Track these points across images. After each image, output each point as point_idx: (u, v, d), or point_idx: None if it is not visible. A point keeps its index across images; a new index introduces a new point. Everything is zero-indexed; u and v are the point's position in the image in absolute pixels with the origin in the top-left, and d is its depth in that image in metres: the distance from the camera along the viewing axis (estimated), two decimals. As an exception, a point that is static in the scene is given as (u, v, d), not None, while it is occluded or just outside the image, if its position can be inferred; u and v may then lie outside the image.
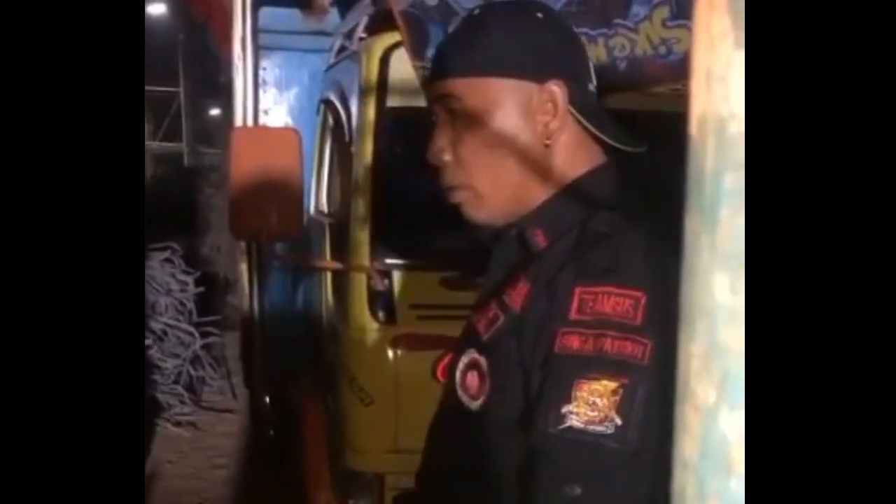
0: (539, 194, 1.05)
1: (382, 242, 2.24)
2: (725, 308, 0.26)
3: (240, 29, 2.73)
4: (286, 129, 3.15)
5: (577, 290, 0.93)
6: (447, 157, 1.08)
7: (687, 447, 0.27)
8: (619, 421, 0.87)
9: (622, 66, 2.29)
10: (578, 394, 0.89)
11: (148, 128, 18.19)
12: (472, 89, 1.04)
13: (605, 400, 0.88)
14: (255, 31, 2.69)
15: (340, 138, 2.66)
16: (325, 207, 3.02)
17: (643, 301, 0.90)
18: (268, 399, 2.97)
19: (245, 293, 3.29)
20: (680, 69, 2.30)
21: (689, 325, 0.27)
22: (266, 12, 2.97)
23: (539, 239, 1.04)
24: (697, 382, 0.27)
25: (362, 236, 2.25)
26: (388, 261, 2.23)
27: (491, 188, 1.06)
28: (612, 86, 2.28)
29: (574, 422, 0.88)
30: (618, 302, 0.91)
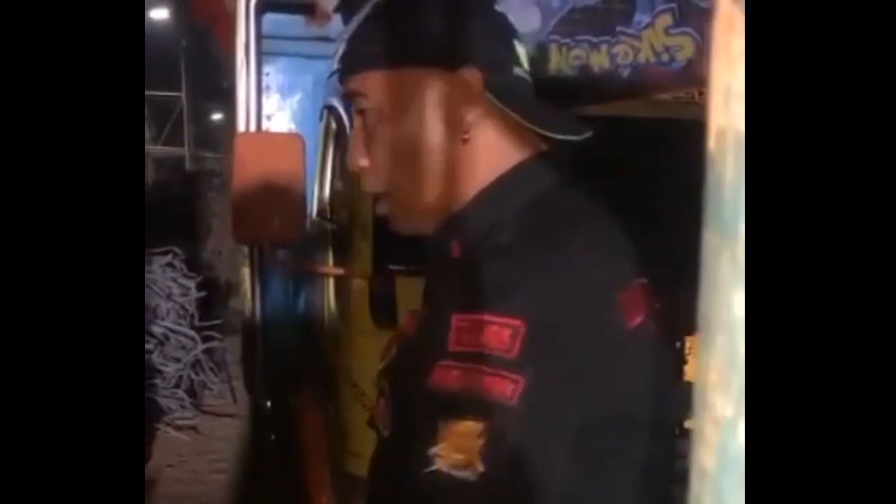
0: (463, 197, 0.93)
1: (384, 248, 2.25)
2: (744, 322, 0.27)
3: (243, 34, 2.73)
4: (289, 134, 3.16)
5: (454, 317, 0.83)
6: (363, 163, 0.96)
7: (705, 459, 0.28)
8: (481, 468, 0.77)
9: (625, 72, 2.31)
10: (446, 435, 0.79)
11: (150, 132, 18.23)
12: (379, 85, 0.93)
13: (470, 443, 0.78)
14: (259, 36, 2.69)
15: (343, 144, 2.67)
16: (327, 212, 3.02)
17: (522, 331, 0.78)
18: (269, 403, 2.97)
19: (247, 297, 3.30)
20: (682, 76, 2.31)
21: (708, 339, 0.28)
22: (269, 18, 2.98)
23: (454, 251, 0.93)
24: (716, 395, 0.27)
25: (364, 242, 2.25)
26: (390, 266, 2.23)
27: (410, 194, 0.94)
28: (615, 92, 2.29)
29: (440, 464, 0.78)
30: (496, 332, 0.79)
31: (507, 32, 0.96)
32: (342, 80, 0.98)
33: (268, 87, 3.29)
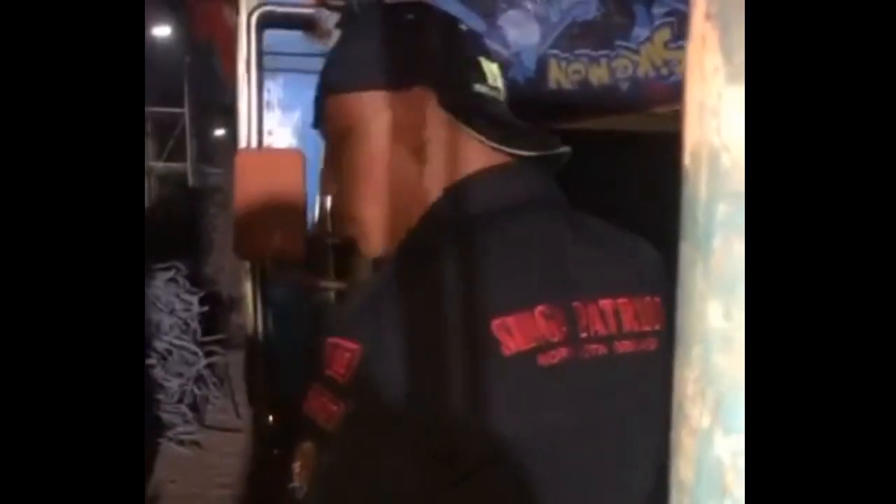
0: (414, 218, 0.93)
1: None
2: (719, 333, 0.27)
3: (244, 50, 2.75)
4: (290, 150, 3.16)
5: (327, 341, 0.83)
6: (333, 187, 0.98)
7: (682, 470, 0.28)
8: (304, 487, 0.82)
9: (624, 87, 2.31)
10: (299, 454, 0.84)
11: (153, 148, 18.28)
12: (340, 108, 0.95)
13: (308, 463, 0.82)
14: (260, 52, 2.70)
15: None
16: (329, 227, 3.03)
17: (358, 356, 0.78)
18: (272, 418, 2.97)
19: (249, 312, 3.30)
20: (681, 90, 2.31)
21: (684, 350, 0.28)
22: (270, 34, 2.99)
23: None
24: (692, 406, 0.28)
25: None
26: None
27: (371, 216, 0.94)
28: (614, 107, 2.30)
29: (296, 481, 0.83)
30: (339, 356, 0.80)
31: (469, 51, 0.97)
32: (315, 108, 1.00)
33: (269, 103, 3.30)
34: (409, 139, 0.91)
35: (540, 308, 0.81)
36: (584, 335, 0.83)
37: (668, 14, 2.23)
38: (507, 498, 0.81)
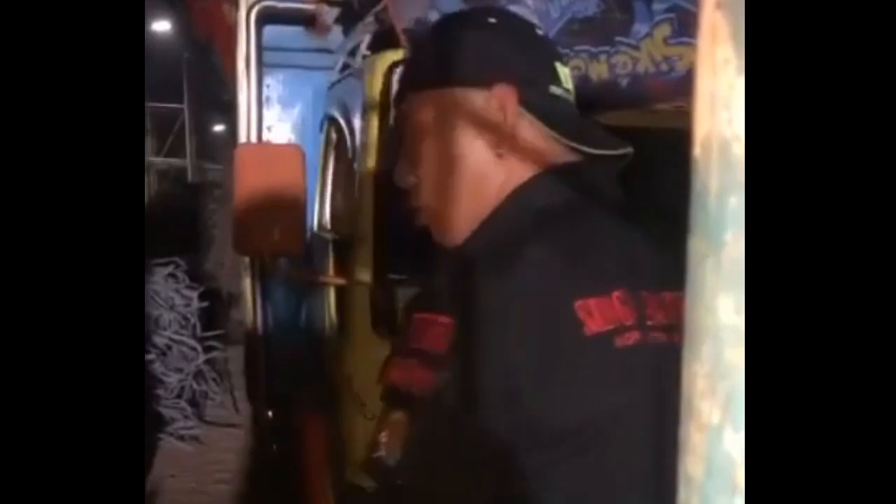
0: (492, 207, 0.99)
1: (385, 258, 2.24)
2: (730, 329, 0.27)
3: (244, 46, 2.74)
4: (290, 145, 3.16)
5: (415, 316, 0.90)
6: (411, 178, 1.05)
7: (691, 466, 0.28)
8: (398, 454, 0.85)
9: (624, 83, 2.31)
10: (386, 423, 0.88)
11: (152, 144, 18.27)
12: (424, 104, 1.01)
13: (399, 432, 0.86)
14: (259, 48, 2.70)
15: (344, 155, 2.67)
16: (328, 223, 3.03)
17: (451, 329, 0.85)
18: (271, 414, 2.97)
19: (248, 308, 3.30)
20: (682, 86, 2.31)
21: (695, 345, 0.28)
22: (270, 30, 2.99)
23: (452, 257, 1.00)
24: (702, 402, 0.27)
25: (365, 252, 2.25)
26: (391, 276, 2.23)
27: (447, 206, 1.01)
28: (614, 103, 2.29)
29: (381, 451, 0.87)
30: (435, 330, 0.86)
31: (546, 52, 1.05)
32: (396, 102, 1.08)
33: (268, 99, 3.29)
34: (491, 134, 0.98)
35: (616, 293, 0.88)
36: (649, 322, 0.90)
37: (668, 10, 2.23)
38: (586, 468, 0.86)
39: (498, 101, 0.97)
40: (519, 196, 0.98)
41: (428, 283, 0.97)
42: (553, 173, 0.98)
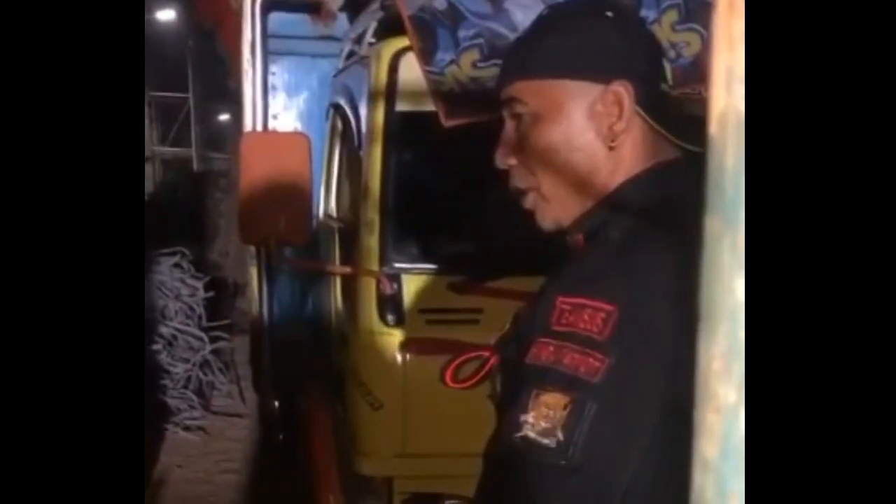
0: (600, 195, 1.03)
1: (391, 247, 2.24)
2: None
3: (249, 34, 2.73)
4: (295, 133, 3.16)
5: (558, 299, 0.92)
6: (512, 161, 1.07)
7: (707, 448, 0.27)
8: (561, 436, 0.86)
9: (631, 69, 2.30)
10: (536, 404, 0.88)
11: (157, 133, 18.28)
12: (537, 92, 1.03)
13: (555, 413, 0.87)
14: (265, 36, 2.69)
15: (350, 143, 2.66)
16: (334, 212, 3.02)
17: (614, 316, 0.87)
18: (277, 403, 2.97)
19: (254, 298, 3.30)
20: (690, 72, 2.30)
21: (711, 326, 0.27)
22: (275, 18, 2.98)
23: (578, 242, 1.03)
24: (718, 383, 0.27)
25: (371, 241, 2.25)
26: (397, 265, 2.23)
27: (555, 191, 1.04)
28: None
29: (528, 431, 0.87)
30: (591, 315, 0.88)
31: (657, 50, 1.09)
32: (500, 85, 1.09)
33: (274, 87, 3.28)
34: (603, 127, 1.01)
35: None
36: None
37: (675, -4, 2.21)
38: None
39: (614, 95, 1.00)
40: (629, 189, 1.01)
41: (567, 268, 0.99)
42: (670, 168, 1.02)
